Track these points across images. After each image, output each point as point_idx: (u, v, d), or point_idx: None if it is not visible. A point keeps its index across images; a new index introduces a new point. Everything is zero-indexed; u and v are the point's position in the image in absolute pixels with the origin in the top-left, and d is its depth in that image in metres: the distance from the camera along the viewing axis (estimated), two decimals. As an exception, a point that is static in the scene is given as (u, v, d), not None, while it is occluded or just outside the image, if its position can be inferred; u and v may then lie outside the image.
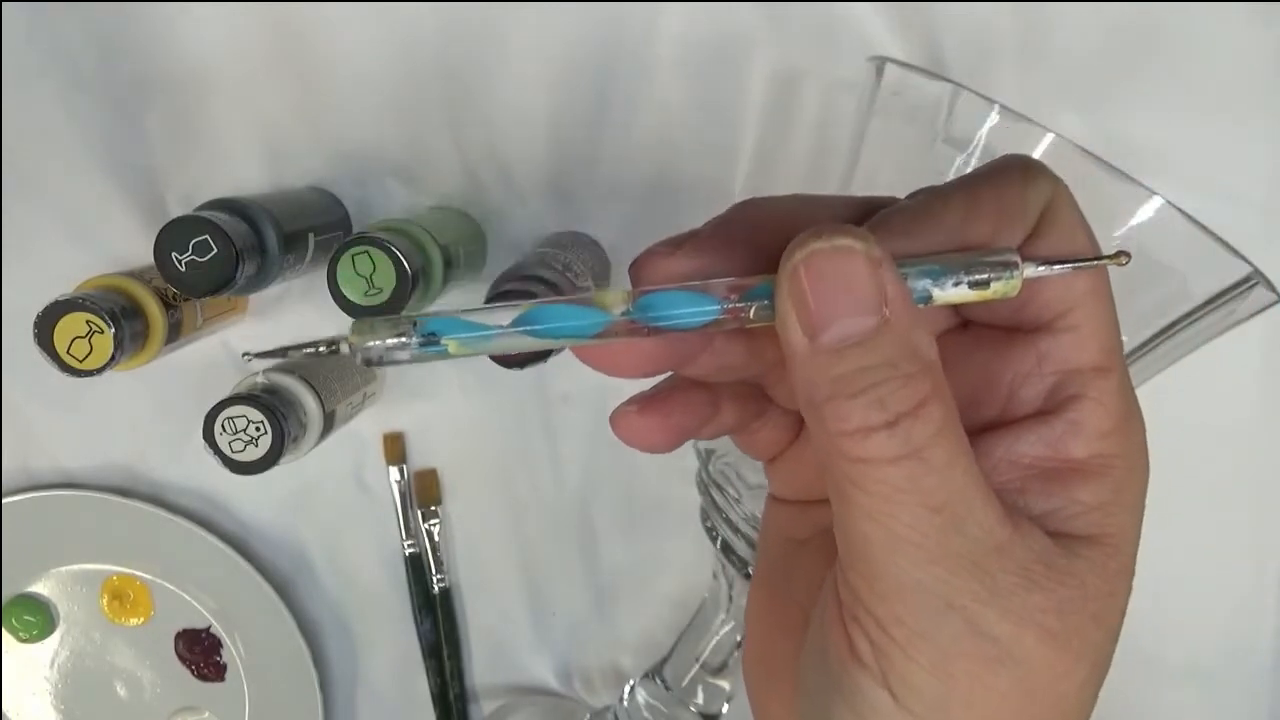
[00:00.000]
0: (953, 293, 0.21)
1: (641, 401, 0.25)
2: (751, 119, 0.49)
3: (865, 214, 0.23)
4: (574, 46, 0.48)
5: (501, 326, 0.21)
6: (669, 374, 0.25)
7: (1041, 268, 0.21)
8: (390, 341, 0.21)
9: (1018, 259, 0.21)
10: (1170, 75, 0.46)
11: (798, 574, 0.26)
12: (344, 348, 0.21)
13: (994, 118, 0.34)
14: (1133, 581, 0.22)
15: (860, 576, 0.21)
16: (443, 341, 0.21)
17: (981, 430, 0.23)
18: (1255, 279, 0.31)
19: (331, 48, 0.49)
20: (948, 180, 0.23)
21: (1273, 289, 0.31)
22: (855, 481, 0.20)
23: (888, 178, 0.38)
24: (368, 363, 0.21)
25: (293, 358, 0.21)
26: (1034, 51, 0.47)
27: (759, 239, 0.22)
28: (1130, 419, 0.22)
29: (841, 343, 0.20)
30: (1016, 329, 0.23)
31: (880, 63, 0.37)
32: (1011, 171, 0.22)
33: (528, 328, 0.21)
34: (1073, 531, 0.22)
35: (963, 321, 0.24)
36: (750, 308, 0.21)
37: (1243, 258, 0.31)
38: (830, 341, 0.20)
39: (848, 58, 0.46)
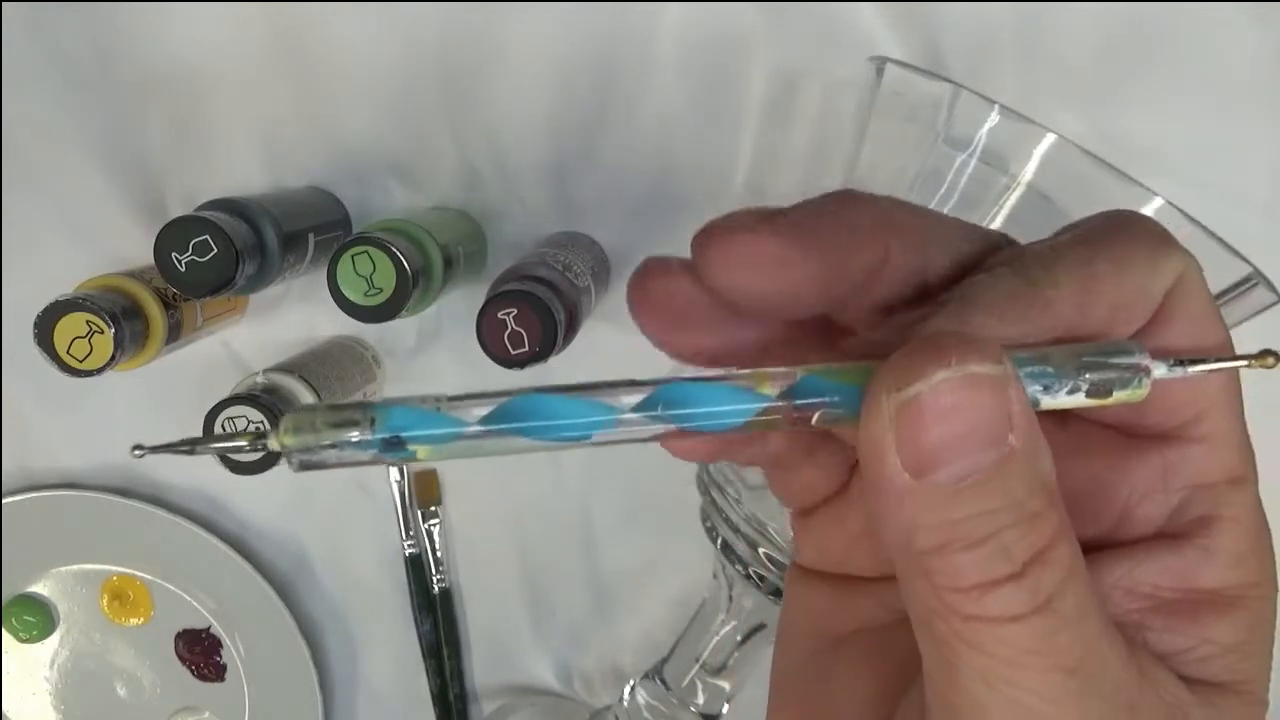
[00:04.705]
0: (1066, 400, 0.17)
1: None
2: (751, 119, 0.49)
3: (981, 250, 0.19)
4: (574, 46, 0.48)
5: (484, 424, 0.17)
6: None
7: (1175, 369, 0.18)
8: (338, 439, 0.16)
9: (1148, 362, 0.17)
10: (1170, 75, 0.46)
11: (838, 687, 0.22)
12: (272, 445, 0.17)
13: (994, 118, 0.34)
14: None
15: None
16: (409, 446, 0.17)
17: (1086, 549, 0.19)
18: (1255, 279, 0.31)
19: (331, 48, 0.49)
20: (1054, 239, 0.19)
21: (1273, 289, 0.31)
22: (970, 641, 0.16)
23: (888, 177, 0.38)
24: (305, 467, 0.17)
25: (199, 453, 0.17)
26: (1034, 51, 0.46)
27: (858, 244, 0.18)
28: (1264, 536, 0.19)
29: (959, 483, 0.16)
30: (1131, 432, 0.20)
31: (880, 63, 0.37)
32: (1137, 245, 0.18)
33: (518, 425, 0.17)
34: (1206, 677, 0.18)
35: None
36: (814, 413, 0.17)
37: (1243, 258, 0.31)
38: (946, 481, 0.16)
39: (848, 58, 0.46)
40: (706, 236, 0.18)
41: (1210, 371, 0.18)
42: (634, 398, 0.17)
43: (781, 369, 0.17)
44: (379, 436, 0.17)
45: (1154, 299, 0.18)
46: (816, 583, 0.23)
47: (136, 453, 0.17)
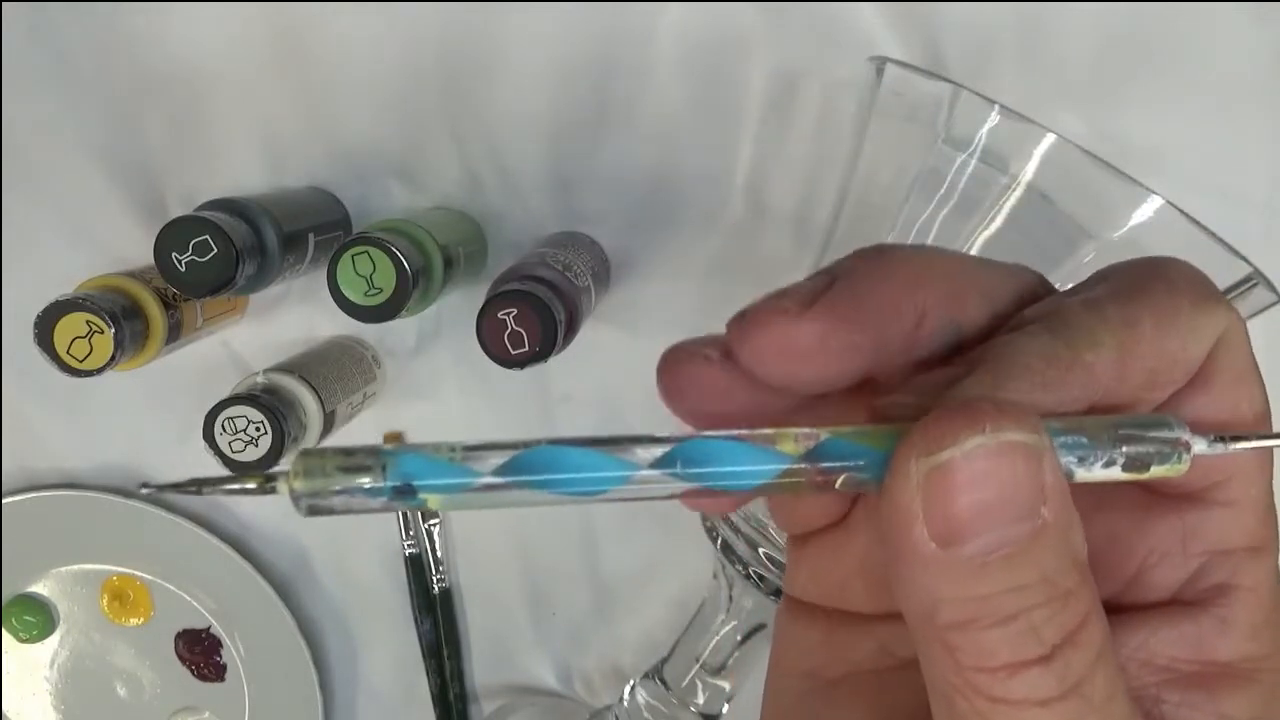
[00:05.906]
0: (1101, 473, 0.17)
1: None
2: (751, 119, 0.49)
3: (1016, 292, 0.18)
4: (574, 47, 0.48)
5: (498, 475, 0.16)
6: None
7: (1216, 445, 0.17)
8: (349, 485, 0.16)
9: (1188, 437, 0.16)
10: (1170, 75, 0.46)
11: None
12: (281, 489, 0.16)
13: (994, 118, 0.34)
14: None
15: None
16: (420, 494, 0.16)
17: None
18: (1255, 279, 0.31)
19: (331, 48, 0.49)
20: (1089, 291, 0.18)
21: (1273, 289, 0.31)
22: None
23: (888, 178, 0.38)
24: (313, 512, 0.16)
25: (207, 494, 0.17)
26: (1034, 52, 0.46)
27: (900, 305, 0.18)
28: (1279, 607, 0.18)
29: (988, 555, 0.15)
30: (1153, 490, 0.19)
31: (880, 63, 0.37)
32: (1178, 300, 0.17)
33: (532, 478, 0.16)
34: None
35: None
36: (837, 476, 0.17)
37: (1243, 258, 0.31)
38: (974, 554, 0.15)
39: (848, 58, 0.46)
40: (744, 325, 0.17)
41: (1254, 449, 0.17)
42: (653, 453, 0.16)
43: (805, 429, 0.17)
44: (389, 484, 0.16)
45: (1195, 361, 0.17)
46: (809, 618, 0.22)
47: (144, 491, 0.17)
